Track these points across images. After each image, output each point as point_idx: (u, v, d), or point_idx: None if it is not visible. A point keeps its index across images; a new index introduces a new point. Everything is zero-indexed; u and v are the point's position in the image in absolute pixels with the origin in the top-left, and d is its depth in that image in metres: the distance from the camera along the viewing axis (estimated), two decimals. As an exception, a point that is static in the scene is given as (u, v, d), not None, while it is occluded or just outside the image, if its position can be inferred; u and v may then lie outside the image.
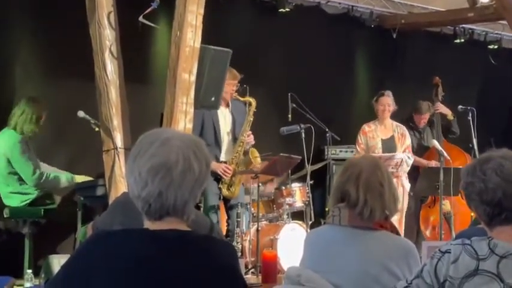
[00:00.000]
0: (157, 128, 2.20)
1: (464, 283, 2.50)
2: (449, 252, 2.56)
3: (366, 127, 8.07)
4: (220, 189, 7.00)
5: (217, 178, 6.93)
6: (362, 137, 8.02)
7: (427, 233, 8.48)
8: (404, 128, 8.12)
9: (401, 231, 7.75)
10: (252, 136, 7.09)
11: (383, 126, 8.01)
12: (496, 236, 2.56)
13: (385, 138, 7.94)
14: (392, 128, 8.01)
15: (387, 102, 7.98)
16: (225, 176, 6.94)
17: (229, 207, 7.15)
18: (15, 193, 6.68)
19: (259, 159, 7.18)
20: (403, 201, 7.82)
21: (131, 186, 2.10)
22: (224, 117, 7.04)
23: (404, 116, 8.67)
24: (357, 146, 8.06)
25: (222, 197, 7.08)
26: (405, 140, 8.01)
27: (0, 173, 6.65)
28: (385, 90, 8.21)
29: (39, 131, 6.80)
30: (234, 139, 7.08)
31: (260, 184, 7.16)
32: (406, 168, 7.90)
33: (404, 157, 7.85)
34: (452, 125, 8.78)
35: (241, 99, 7.08)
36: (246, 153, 7.12)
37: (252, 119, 7.08)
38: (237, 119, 7.09)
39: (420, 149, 8.56)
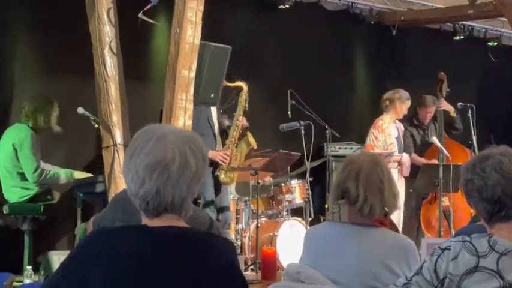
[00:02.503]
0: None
1: (464, 280, 2.50)
2: (449, 249, 2.56)
3: (383, 124, 7.82)
4: (217, 176, 6.96)
5: (214, 166, 6.92)
6: (380, 134, 7.77)
7: (427, 229, 8.47)
8: (401, 124, 8.14)
9: (400, 228, 7.76)
10: (244, 119, 7.13)
11: (393, 123, 7.97)
12: (495, 233, 2.56)
13: (396, 136, 7.92)
14: (395, 124, 8.01)
15: (409, 106, 7.96)
16: (224, 162, 6.93)
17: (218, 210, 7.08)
18: (16, 187, 6.69)
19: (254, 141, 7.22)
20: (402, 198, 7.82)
21: (128, 185, 2.10)
22: (213, 110, 7.06)
23: (406, 113, 8.61)
24: (374, 141, 7.75)
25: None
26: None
27: (7, 165, 6.67)
28: (386, 87, 8.21)
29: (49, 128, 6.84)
30: (222, 130, 7.13)
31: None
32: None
33: (405, 155, 7.87)
34: (455, 122, 8.76)
35: (231, 84, 7.01)
36: (241, 137, 7.13)
37: (244, 103, 7.07)
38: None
39: (424, 146, 8.55)
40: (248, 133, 7.21)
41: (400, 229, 7.80)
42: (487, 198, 2.56)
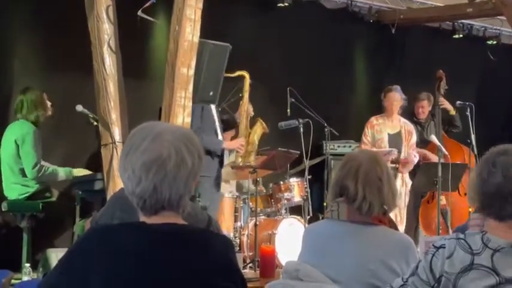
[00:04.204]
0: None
1: (460, 278, 2.49)
2: (444, 247, 2.55)
3: (373, 120, 7.96)
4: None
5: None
6: (369, 130, 7.90)
7: (425, 228, 8.46)
8: (411, 125, 8.09)
9: (402, 228, 7.73)
10: (251, 107, 7.29)
11: (391, 121, 7.96)
12: (489, 230, 2.55)
13: (392, 133, 7.90)
14: (399, 123, 7.99)
15: (394, 98, 7.91)
16: (241, 150, 7.12)
17: None
18: (16, 184, 6.69)
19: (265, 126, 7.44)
20: (405, 198, 7.81)
21: (125, 183, 2.10)
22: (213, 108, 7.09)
23: (406, 111, 8.61)
24: (363, 138, 7.92)
25: None
26: (412, 137, 7.97)
27: (9, 161, 6.67)
28: (385, 85, 8.20)
29: (50, 113, 6.84)
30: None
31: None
32: (411, 166, 7.86)
33: (411, 155, 7.83)
34: (455, 120, 8.78)
35: (232, 75, 7.01)
36: (252, 124, 7.32)
37: (248, 90, 7.13)
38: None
39: (422, 143, 8.55)
40: (259, 118, 7.36)
41: (404, 227, 7.81)
42: (484, 192, 2.55)
